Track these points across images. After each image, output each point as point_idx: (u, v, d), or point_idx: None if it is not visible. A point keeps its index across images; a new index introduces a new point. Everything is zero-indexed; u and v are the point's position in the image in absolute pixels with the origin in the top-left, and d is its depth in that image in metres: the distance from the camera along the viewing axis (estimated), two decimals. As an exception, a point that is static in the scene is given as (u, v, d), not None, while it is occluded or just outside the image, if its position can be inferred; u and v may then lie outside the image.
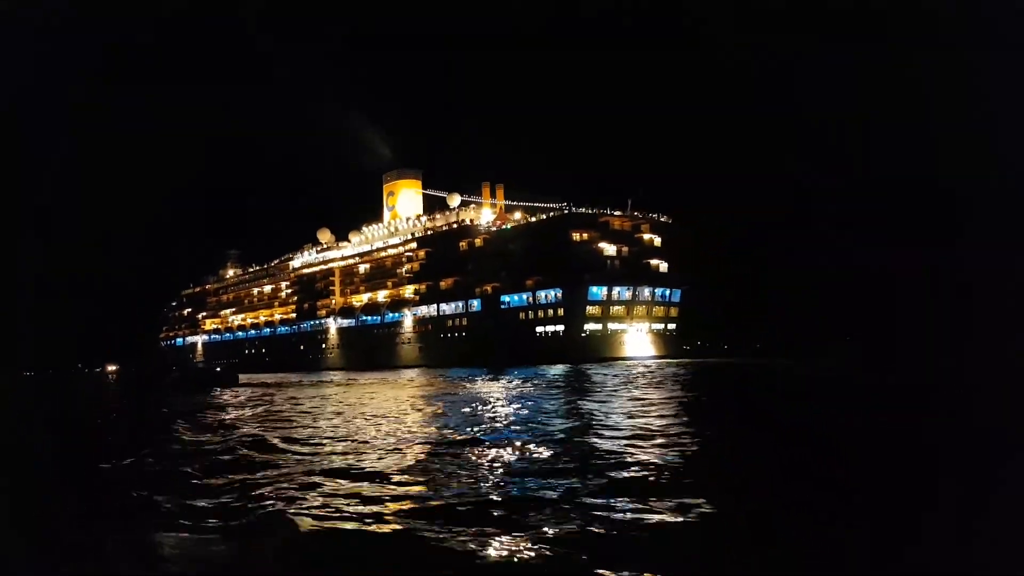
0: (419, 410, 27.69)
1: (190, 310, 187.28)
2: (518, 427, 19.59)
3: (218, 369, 67.74)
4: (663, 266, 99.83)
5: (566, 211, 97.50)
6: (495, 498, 10.64)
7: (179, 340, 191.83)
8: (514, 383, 42.68)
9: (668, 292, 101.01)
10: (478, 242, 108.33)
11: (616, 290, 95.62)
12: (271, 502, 10.89)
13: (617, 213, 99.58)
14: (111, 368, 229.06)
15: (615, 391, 33.08)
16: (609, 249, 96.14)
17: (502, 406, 26.71)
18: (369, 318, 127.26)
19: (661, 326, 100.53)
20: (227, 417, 27.84)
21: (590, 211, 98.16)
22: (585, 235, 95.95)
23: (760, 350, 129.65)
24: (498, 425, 20.21)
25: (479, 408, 25.85)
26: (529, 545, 8.24)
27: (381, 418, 23.96)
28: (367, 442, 17.50)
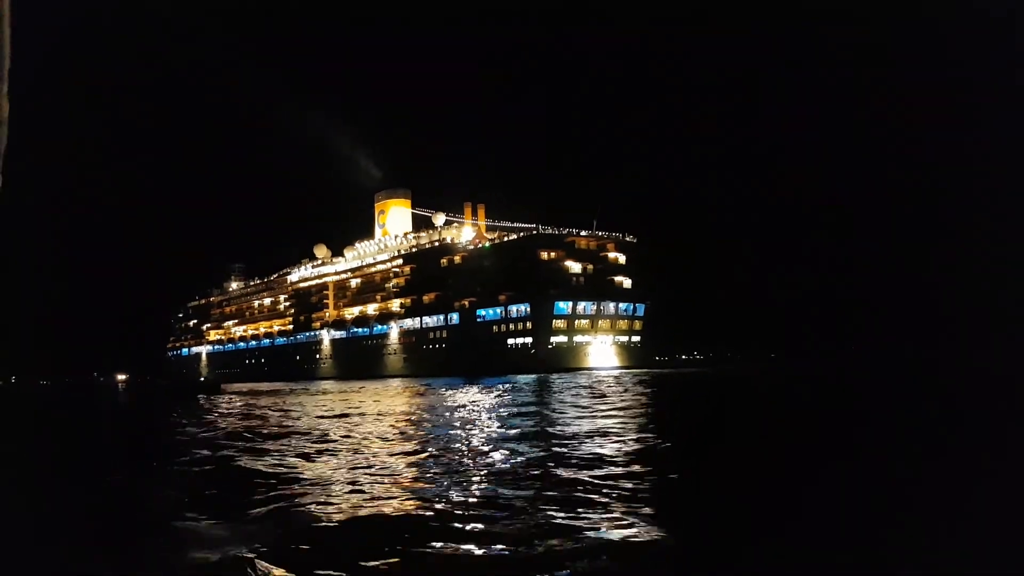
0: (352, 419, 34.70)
1: (195, 321, 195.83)
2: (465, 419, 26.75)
3: (202, 379, 75.82)
4: (627, 282, 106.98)
5: (535, 232, 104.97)
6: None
7: (185, 350, 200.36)
8: (478, 391, 49.65)
9: (632, 307, 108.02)
10: (457, 259, 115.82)
11: (581, 305, 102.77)
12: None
13: (584, 233, 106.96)
14: (120, 377, 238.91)
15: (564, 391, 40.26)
16: (574, 267, 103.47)
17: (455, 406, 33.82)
18: (359, 330, 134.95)
19: (625, 338, 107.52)
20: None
21: (557, 231, 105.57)
22: (552, 254, 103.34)
23: (736, 358, 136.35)
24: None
25: (440, 411, 32.79)
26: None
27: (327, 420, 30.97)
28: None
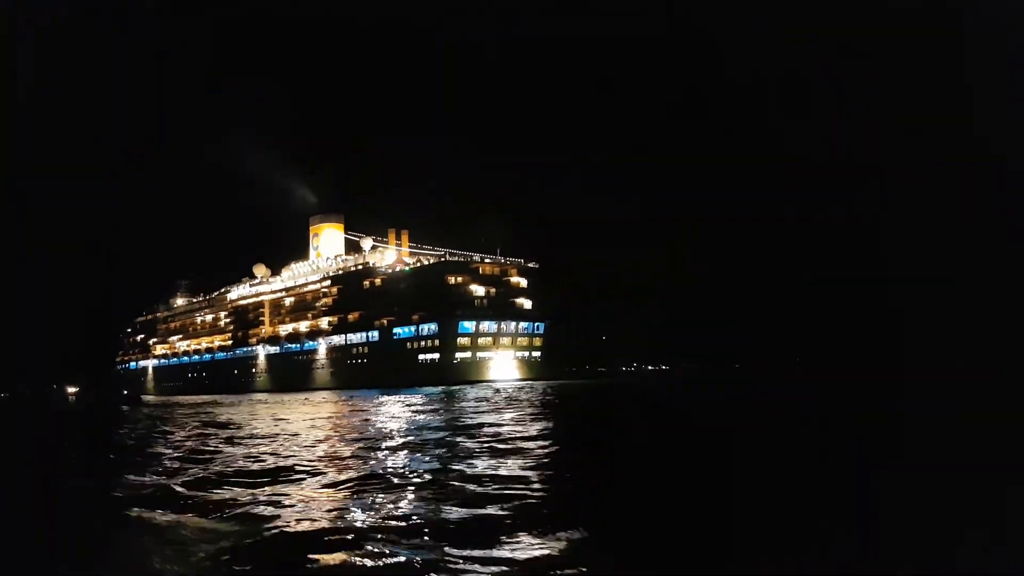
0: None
1: (143, 336, 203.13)
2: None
3: (125, 392, 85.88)
4: (527, 304, 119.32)
5: (443, 258, 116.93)
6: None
7: (133, 364, 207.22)
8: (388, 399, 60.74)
9: (533, 325, 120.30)
10: (378, 282, 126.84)
11: (484, 324, 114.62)
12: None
13: (488, 260, 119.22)
14: (71, 390, 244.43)
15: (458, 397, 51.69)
16: (479, 290, 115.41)
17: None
18: (292, 346, 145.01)
19: (526, 353, 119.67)
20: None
21: (464, 257, 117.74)
22: (459, 278, 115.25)
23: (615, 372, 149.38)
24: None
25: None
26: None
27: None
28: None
